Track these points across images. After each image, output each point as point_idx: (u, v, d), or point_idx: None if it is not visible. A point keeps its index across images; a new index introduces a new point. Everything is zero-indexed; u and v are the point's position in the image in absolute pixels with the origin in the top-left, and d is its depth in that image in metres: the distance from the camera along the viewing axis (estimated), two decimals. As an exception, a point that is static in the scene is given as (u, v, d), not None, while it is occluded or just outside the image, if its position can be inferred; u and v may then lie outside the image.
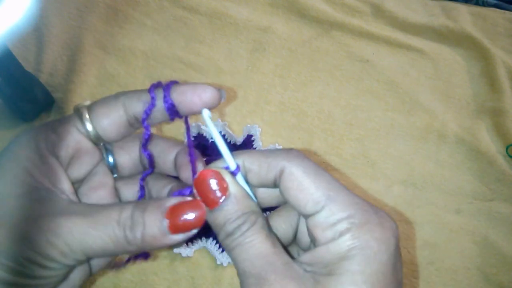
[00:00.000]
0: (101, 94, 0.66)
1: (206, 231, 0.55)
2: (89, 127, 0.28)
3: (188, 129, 0.30)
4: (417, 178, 0.64)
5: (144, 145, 0.29)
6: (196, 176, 0.26)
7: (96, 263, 0.30)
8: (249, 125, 0.64)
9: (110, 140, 0.30)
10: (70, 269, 0.26)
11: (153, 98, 0.28)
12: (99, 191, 0.30)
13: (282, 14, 0.78)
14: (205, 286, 0.53)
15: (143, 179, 0.31)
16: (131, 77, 0.68)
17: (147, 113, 0.28)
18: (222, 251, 0.54)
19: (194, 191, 0.26)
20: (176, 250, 0.53)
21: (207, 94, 0.27)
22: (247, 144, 0.62)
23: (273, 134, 0.65)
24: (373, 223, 0.24)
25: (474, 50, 0.78)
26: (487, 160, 0.66)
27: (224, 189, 0.25)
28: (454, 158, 0.67)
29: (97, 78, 0.67)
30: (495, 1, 0.86)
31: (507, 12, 0.85)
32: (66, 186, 0.27)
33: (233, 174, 0.27)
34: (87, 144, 0.29)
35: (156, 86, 0.28)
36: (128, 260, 0.33)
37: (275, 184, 0.27)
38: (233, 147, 0.62)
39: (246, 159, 0.27)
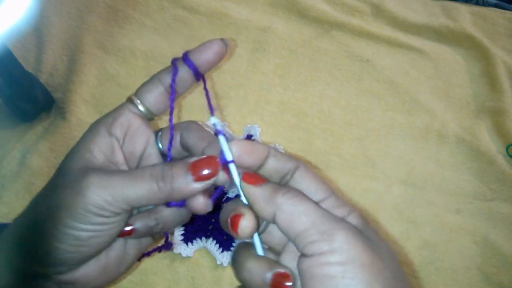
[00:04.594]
0: (101, 94, 0.66)
1: (206, 231, 0.55)
2: (138, 103, 0.35)
3: (206, 89, 0.36)
4: (417, 178, 0.64)
5: (171, 104, 0.35)
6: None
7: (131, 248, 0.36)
8: (249, 125, 0.64)
9: (158, 111, 0.36)
10: (122, 217, 0.32)
11: (175, 66, 0.35)
12: None
13: (282, 14, 0.78)
14: (205, 286, 0.53)
15: (169, 149, 0.36)
16: (131, 77, 0.68)
17: (173, 78, 0.34)
18: (222, 251, 0.54)
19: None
20: (176, 250, 0.53)
21: (216, 46, 0.34)
22: (247, 144, 0.62)
23: (273, 134, 0.65)
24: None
25: (474, 50, 0.78)
26: (487, 160, 0.66)
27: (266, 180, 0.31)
28: (454, 158, 0.67)
29: (97, 78, 0.67)
30: (495, 1, 0.86)
31: (507, 12, 0.85)
32: (119, 158, 0.34)
33: (230, 163, 0.32)
34: (138, 121, 0.35)
35: (176, 59, 0.35)
36: (155, 250, 0.39)
37: (284, 174, 0.32)
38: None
39: (271, 150, 0.32)
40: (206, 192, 0.33)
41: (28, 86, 0.60)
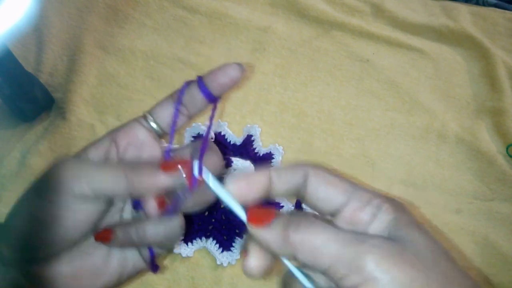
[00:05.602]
0: (101, 94, 0.66)
1: (206, 231, 0.55)
2: (150, 119, 0.35)
3: (214, 109, 0.36)
4: (417, 178, 0.64)
5: (174, 122, 0.35)
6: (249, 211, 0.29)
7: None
8: (249, 125, 0.64)
9: (169, 128, 0.35)
10: (86, 207, 0.32)
11: (185, 84, 0.35)
12: None
13: (282, 14, 0.78)
14: (205, 286, 0.53)
15: (168, 152, 0.36)
16: (131, 77, 0.68)
17: (180, 94, 0.34)
18: (222, 251, 0.54)
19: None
20: (176, 250, 0.53)
21: (232, 70, 0.34)
22: (247, 144, 0.62)
23: (273, 134, 0.65)
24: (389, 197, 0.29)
25: (474, 50, 0.78)
26: (487, 160, 0.66)
27: (274, 213, 0.28)
28: (454, 158, 0.67)
29: (97, 78, 0.67)
30: (495, 1, 0.86)
31: (507, 12, 0.85)
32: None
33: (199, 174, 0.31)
34: (145, 135, 0.35)
35: (190, 82, 0.35)
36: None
37: (297, 191, 0.29)
38: (233, 147, 0.62)
39: (272, 170, 0.29)
40: (161, 201, 0.32)
41: (28, 86, 0.60)
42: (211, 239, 0.55)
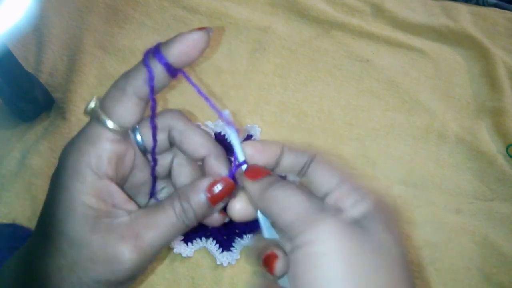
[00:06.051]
0: (101, 94, 0.66)
1: (206, 231, 0.55)
2: (112, 126, 0.30)
3: (191, 82, 0.32)
4: (417, 178, 0.64)
5: (152, 117, 0.32)
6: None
7: None
8: (249, 125, 0.64)
9: (134, 123, 0.31)
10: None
11: (150, 71, 0.29)
12: (142, 187, 0.35)
13: (282, 14, 0.78)
14: (205, 286, 0.53)
15: (154, 158, 0.34)
16: (131, 77, 0.68)
17: (152, 87, 0.29)
18: (222, 251, 0.54)
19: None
20: (176, 250, 0.53)
21: (195, 36, 0.30)
22: (247, 144, 0.62)
23: (273, 134, 0.65)
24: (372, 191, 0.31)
25: (474, 50, 0.78)
26: (487, 160, 0.66)
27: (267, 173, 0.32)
28: (454, 158, 0.67)
29: (97, 78, 0.67)
30: (495, 1, 0.86)
31: (507, 12, 0.85)
32: (120, 199, 0.30)
33: (241, 164, 0.32)
34: (120, 147, 0.31)
35: (147, 55, 0.29)
36: None
37: (300, 169, 0.32)
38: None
39: (285, 144, 0.33)
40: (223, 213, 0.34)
41: (28, 86, 0.60)
42: (211, 239, 0.54)
